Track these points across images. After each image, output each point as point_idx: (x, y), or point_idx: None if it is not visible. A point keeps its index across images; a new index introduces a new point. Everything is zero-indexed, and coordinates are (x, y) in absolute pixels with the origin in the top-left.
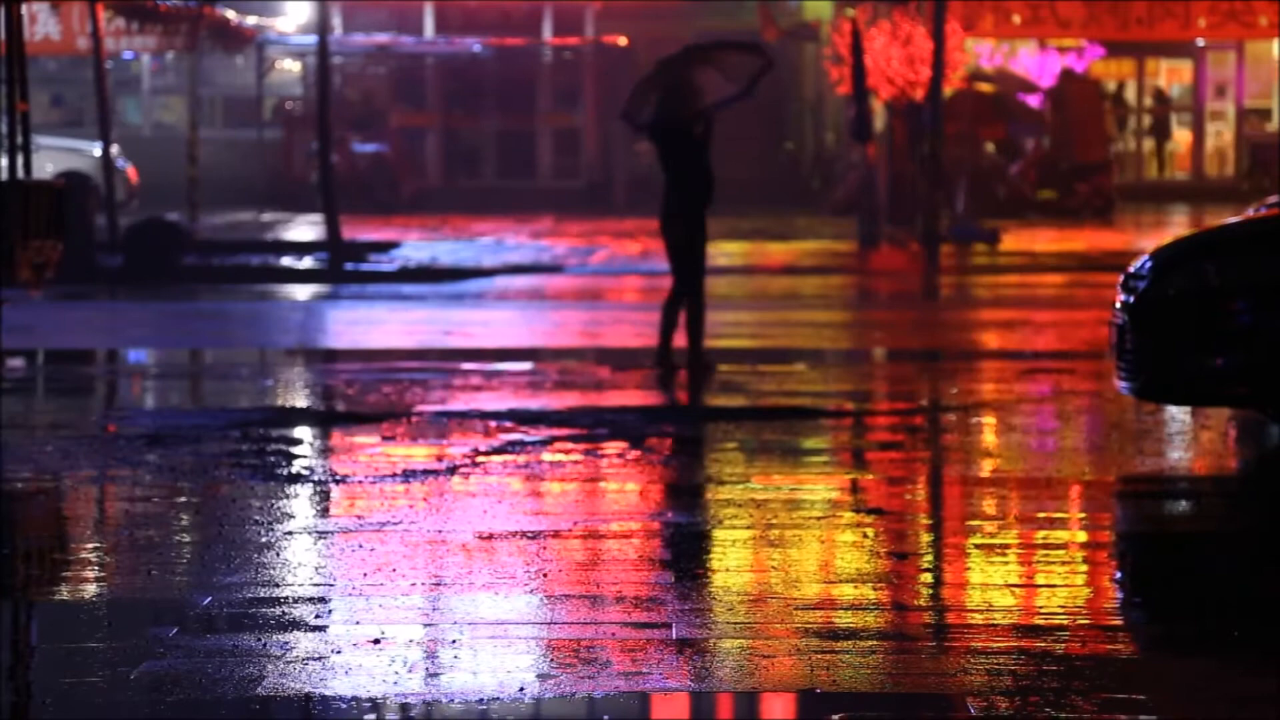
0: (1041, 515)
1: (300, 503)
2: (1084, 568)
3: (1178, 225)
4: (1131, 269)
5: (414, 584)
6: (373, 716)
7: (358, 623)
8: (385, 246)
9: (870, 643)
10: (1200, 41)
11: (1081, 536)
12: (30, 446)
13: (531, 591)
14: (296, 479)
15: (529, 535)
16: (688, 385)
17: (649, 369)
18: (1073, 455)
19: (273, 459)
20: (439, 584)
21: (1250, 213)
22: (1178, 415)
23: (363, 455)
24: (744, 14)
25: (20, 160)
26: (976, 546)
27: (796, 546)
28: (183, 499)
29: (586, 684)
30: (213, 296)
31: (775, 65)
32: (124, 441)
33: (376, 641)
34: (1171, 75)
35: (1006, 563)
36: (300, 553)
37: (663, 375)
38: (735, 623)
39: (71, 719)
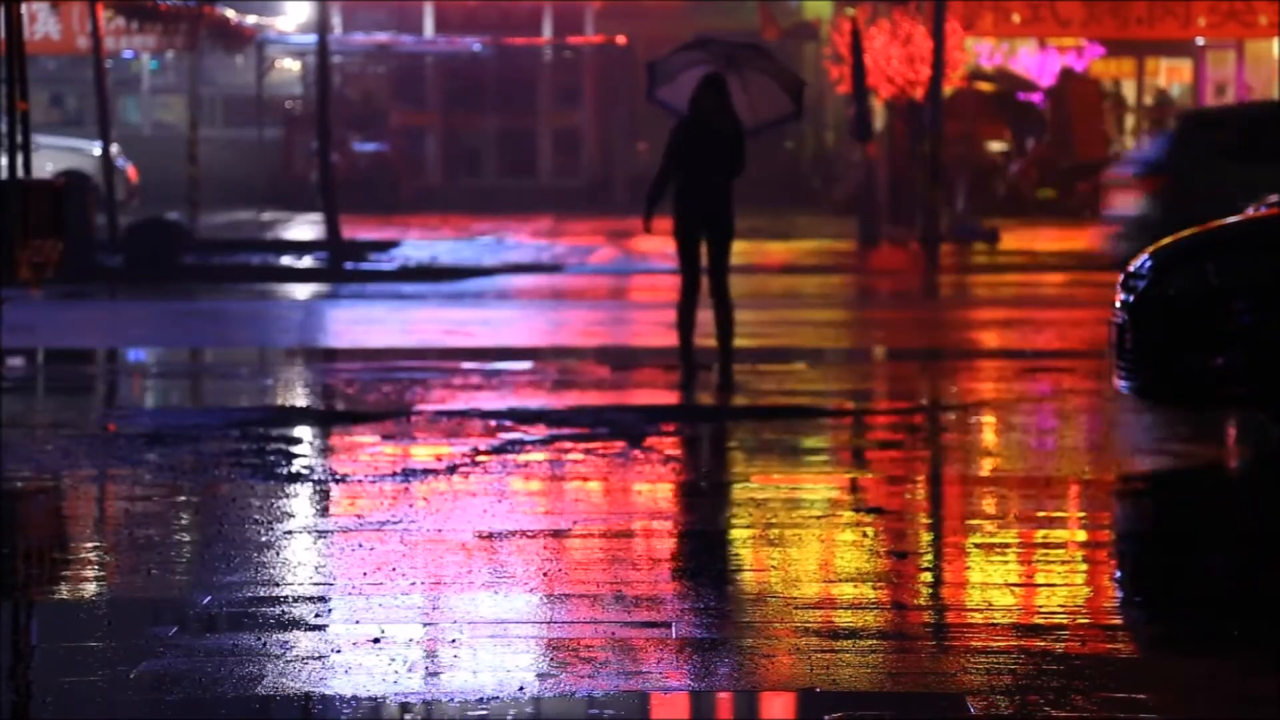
0: (1041, 515)
1: (300, 502)
2: (1084, 567)
3: None
4: (1131, 268)
5: (414, 583)
6: (373, 716)
7: (358, 622)
8: (385, 246)
9: (870, 642)
10: (1200, 41)
11: (1081, 536)
12: (30, 446)
13: (531, 591)
14: (296, 478)
15: (529, 535)
16: (727, 387)
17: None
18: (1073, 455)
19: (273, 459)
20: (439, 583)
21: (1250, 212)
22: (1178, 415)
23: (363, 455)
24: (744, 14)
25: (20, 160)
26: (976, 546)
27: (796, 546)
28: (183, 498)
29: (586, 684)
30: (213, 296)
31: (802, 117)
32: (124, 441)
33: (376, 641)
34: (1171, 74)
35: (1006, 562)
36: (300, 552)
37: (685, 377)
38: (735, 622)
39: (71, 718)
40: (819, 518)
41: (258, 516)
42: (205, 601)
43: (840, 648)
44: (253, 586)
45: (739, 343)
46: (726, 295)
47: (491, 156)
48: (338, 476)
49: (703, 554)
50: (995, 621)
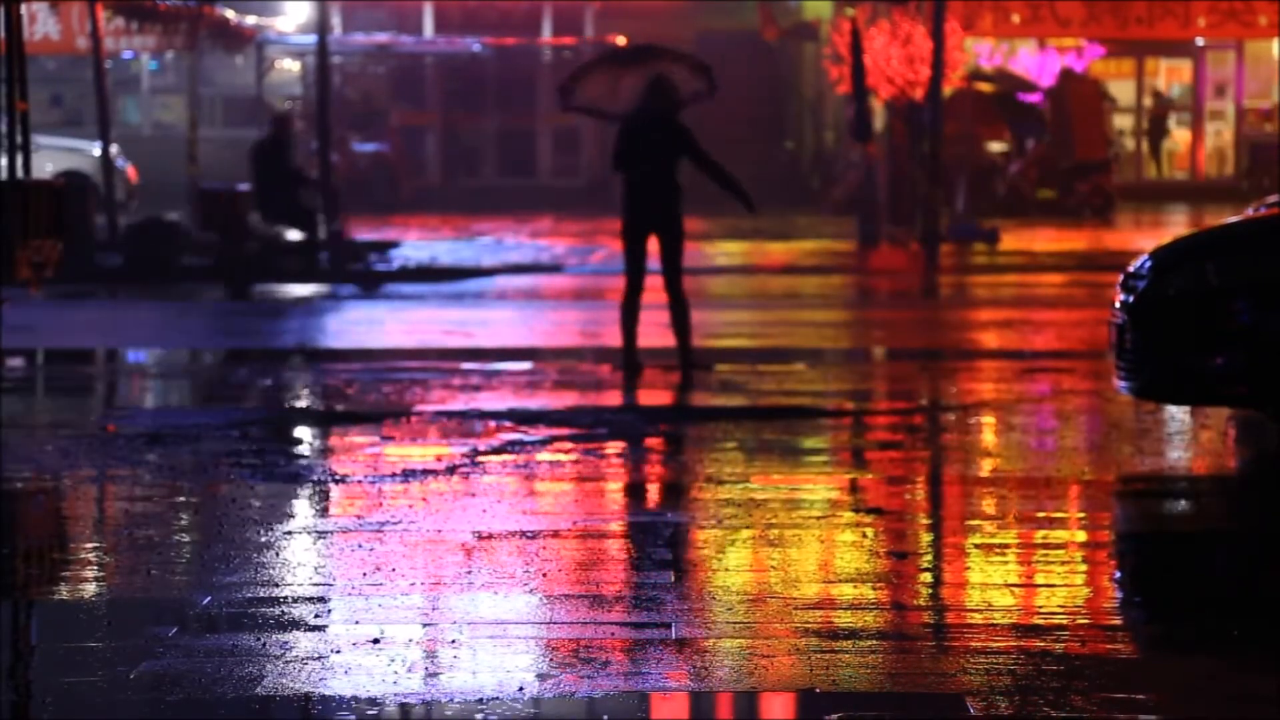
0: (1041, 515)
1: (300, 503)
2: (1084, 568)
3: (1177, 225)
4: (1131, 268)
5: (413, 584)
6: (372, 717)
7: (357, 622)
8: (385, 246)
9: (870, 643)
10: (1200, 41)
11: (1081, 536)
12: (30, 446)
13: (531, 591)
14: (296, 479)
15: (528, 535)
16: (684, 386)
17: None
18: (1073, 455)
19: (273, 459)
20: (438, 584)
21: (1250, 213)
22: (1178, 415)
23: (363, 455)
24: (744, 13)
25: (20, 160)
26: (976, 546)
27: (796, 546)
28: (183, 499)
29: (586, 684)
30: (212, 296)
31: (715, 93)
32: (124, 441)
33: (376, 641)
34: (1171, 75)
35: (1006, 562)
36: (300, 553)
37: (629, 376)
38: (735, 623)
39: (71, 719)
40: (819, 518)
41: (258, 516)
42: (205, 602)
43: (840, 648)
44: (253, 587)
45: (739, 343)
46: (681, 293)
47: (491, 156)
48: (337, 477)
49: (702, 554)
50: (995, 622)
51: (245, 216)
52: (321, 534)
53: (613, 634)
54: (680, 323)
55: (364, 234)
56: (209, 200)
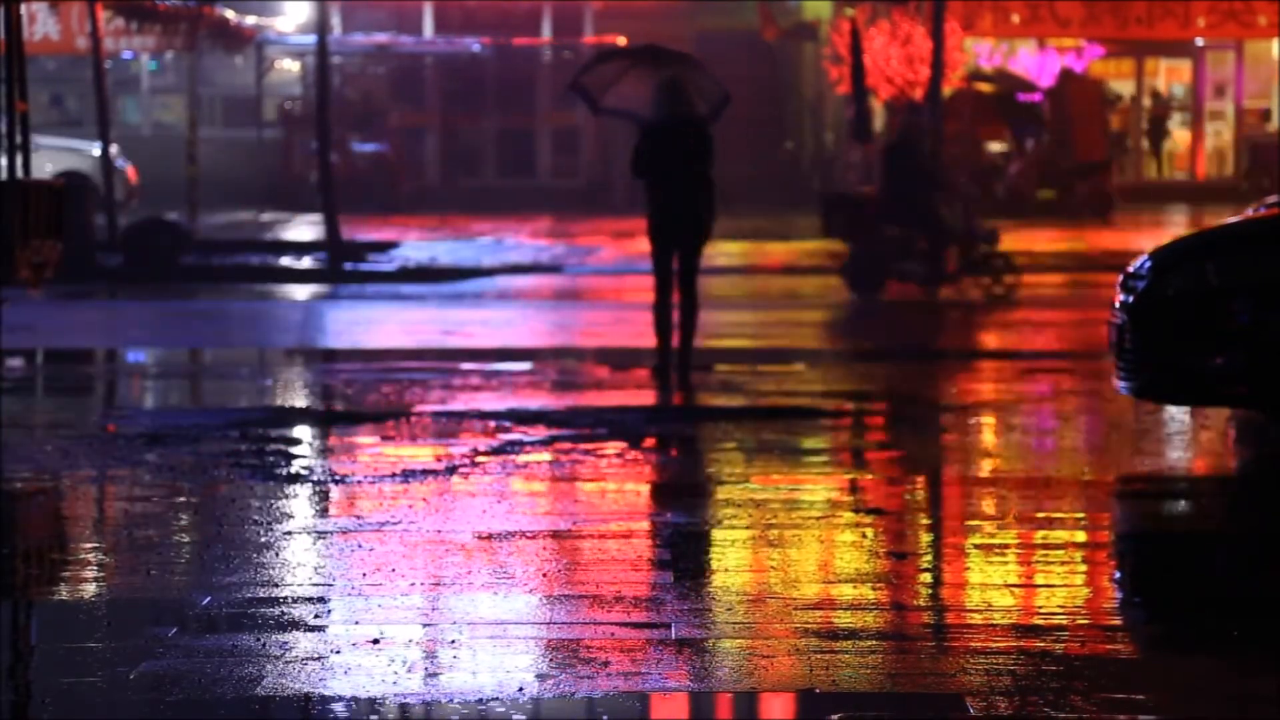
0: (1041, 515)
1: (300, 503)
2: (1084, 568)
3: (1177, 225)
4: (1131, 269)
5: (413, 584)
6: (372, 716)
7: (357, 623)
8: (384, 246)
9: (870, 643)
10: (1199, 41)
11: (1081, 536)
12: (30, 446)
13: (531, 591)
14: (296, 479)
15: (529, 535)
16: (684, 386)
17: (649, 371)
18: (1073, 455)
19: (272, 459)
20: (438, 584)
21: (1250, 213)
22: (1178, 415)
23: (363, 455)
24: (744, 13)
25: (20, 160)
26: (976, 546)
27: (796, 546)
28: (182, 499)
29: (586, 684)
30: (212, 296)
31: (729, 103)
32: (124, 441)
33: (376, 641)
34: (1171, 75)
35: (1006, 563)
36: (300, 553)
37: (663, 378)
38: (735, 623)
39: (71, 719)
40: (819, 518)
41: (257, 516)
42: (205, 602)
43: (840, 648)
44: (252, 587)
45: (738, 343)
46: (695, 295)
47: (490, 157)
48: (337, 477)
49: (702, 554)
50: (995, 622)
51: (874, 219)
52: (321, 534)
53: (613, 634)
54: (687, 324)
55: (364, 234)
56: (834, 204)
